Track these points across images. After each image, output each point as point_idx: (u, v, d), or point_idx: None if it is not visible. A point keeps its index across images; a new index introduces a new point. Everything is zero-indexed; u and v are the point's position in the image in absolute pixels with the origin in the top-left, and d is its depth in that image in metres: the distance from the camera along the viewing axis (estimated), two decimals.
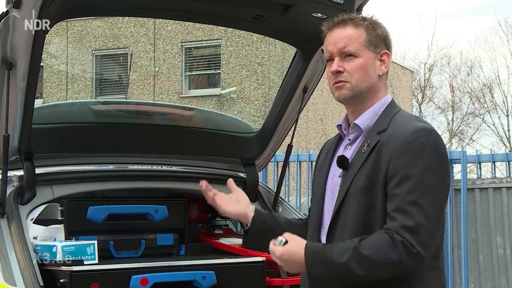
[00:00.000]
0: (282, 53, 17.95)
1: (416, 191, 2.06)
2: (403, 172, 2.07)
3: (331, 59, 2.26)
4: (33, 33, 2.46)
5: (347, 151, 2.26)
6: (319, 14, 2.75)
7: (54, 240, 2.87)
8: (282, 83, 3.39)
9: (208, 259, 3.07)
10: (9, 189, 2.81)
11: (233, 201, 2.47)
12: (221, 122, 3.78)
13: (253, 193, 3.48)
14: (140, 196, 3.34)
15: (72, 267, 2.69)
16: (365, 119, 2.24)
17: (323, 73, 3.28)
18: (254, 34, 17.43)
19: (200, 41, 18.27)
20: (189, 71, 18.53)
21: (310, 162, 8.18)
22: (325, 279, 2.10)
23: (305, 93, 3.34)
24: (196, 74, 18.64)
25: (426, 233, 2.05)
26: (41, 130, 2.95)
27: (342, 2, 2.74)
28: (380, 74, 2.26)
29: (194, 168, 3.55)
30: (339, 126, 2.34)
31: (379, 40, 2.25)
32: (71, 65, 19.65)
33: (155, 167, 3.36)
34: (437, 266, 2.17)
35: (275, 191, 3.64)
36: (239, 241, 3.35)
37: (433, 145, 2.12)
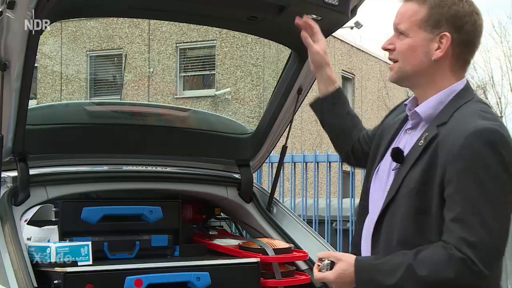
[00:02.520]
0: (277, 54, 17.96)
1: (475, 199, 1.87)
2: (462, 178, 1.89)
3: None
4: (28, 34, 2.44)
5: (406, 135, 2.11)
6: (314, 16, 2.74)
7: (48, 241, 2.86)
8: (276, 84, 3.38)
9: (203, 260, 3.07)
10: (3, 190, 2.81)
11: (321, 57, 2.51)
12: (215, 123, 3.78)
13: (248, 194, 3.48)
14: (135, 197, 3.33)
15: (66, 268, 2.68)
16: (427, 107, 2.05)
17: None
18: (249, 35, 17.45)
19: (194, 42, 18.28)
20: (184, 72, 18.54)
21: (304, 163, 8.19)
22: None
23: (300, 94, 3.30)
24: (191, 75, 18.64)
25: (489, 249, 1.85)
26: (35, 131, 2.95)
27: (337, 3, 2.72)
28: (434, 58, 2.03)
29: (189, 169, 3.56)
30: (404, 106, 2.17)
31: (442, 20, 2.02)
32: (65, 65, 19.62)
33: (149, 168, 3.36)
34: (494, 275, 1.96)
35: (269, 192, 3.63)
36: (233, 242, 3.35)
37: (496, 148, 1.90)
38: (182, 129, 3.50)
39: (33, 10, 2.35)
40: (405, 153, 2.04)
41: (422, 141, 2.00)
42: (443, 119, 2.00)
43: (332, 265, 2.03)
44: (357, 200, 8.79)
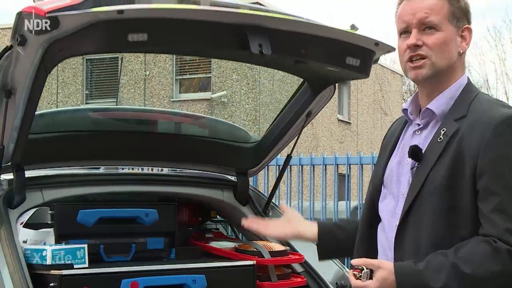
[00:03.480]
0: None
1: None
2: (498, 167, 1.85)
3: (406, 32, 2.03)
4: (35, 70, 2.47)
5: (417, 137, 2.05)
6: (333, 68, 2.72)
7: (44, 244, 2.86)
8: (285, 107, 3.31)
9: (199, 263, 3.07)
10: None
11: (284, 224, 2.40)
12: (219, 129, 3.72)
13: (244, 197, 3.48)
14: (131, 200, 3.33)
15: (62, 271, 2.67)
16: (440, 104, 2.01)
17: (330, 98, 3.23)
18: None
19: None
20: (180, 75, 18.55)
21: (300, 166, 8.19)
22: None
23: (308, 117, 3.25)
24: (187, 78, 18.64)
25: None
26: (32, 140, 2.93)
27: (358, 65, 2.63)
28: (461, 51, 2.03)
29: (184, 171, 3.55)
30: (404, 111, 2.12)
31: (462, 14, 2.03)
32: (61, 69, 19.61)
33: (145, 171, 3.36)
34: None
35: (267, 196, 3.63)
36: (229, 244, 3.35)
37: None
38: (184, 136, 3.48)
39: (43, 52, 2.38)
40: (423, 152, 1.99)
41: (441, 137, 1.95)
42: (460, 113, 1.97)
43: (371, 273, 1.94)
44: (353, 203, 8.86)
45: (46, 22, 2.22)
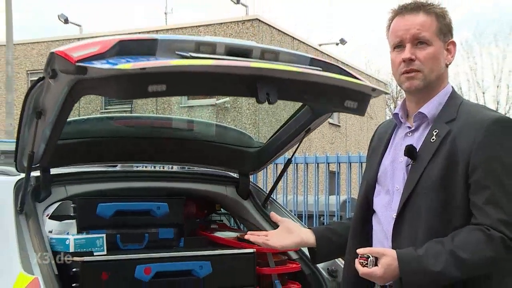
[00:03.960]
0: None
1: (505, 182, 1.84)
2: (489, 164, 1.85)
3: (399, 46, 2.03)
4: (63, 100, 2.50)
5: (408, 138, 2.05)
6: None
7: (67, 233, 2.87)
8: (287, 122, 3.29)
9: (205, 251, 3.07)
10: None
11: (285, 234, 2.35)
12: (226, 135, 3.68)
13: (245, 192, 3.49)
14: (144, 195, 3.34)
15: (84, 257, 2.68)
16: (431, 108, 2.02)
17: (328, 118, 3.23)
18: None
19: None
20: None
21: (295, 164, 8.20)
22: (421, 285, 1.88)
23: (308, 132, 3.23)
24: None
25: None
26: (59, 145, 2.93)
27: (356, 107, 2.62)
28: (448, 63, 2.05)
29: (192, 169, 3.55)
30: (395, 115, 2.13)
31: (447, 29, 2.03)
32: None
33: (157, 168, 3.36)
34: None
35: (266, 191, 3.64)
36: (232, 234, 3.36)
37: None
38: (192, 140, 3.47)
39: (71, 87, 2.39)
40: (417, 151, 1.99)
41: (434, 138, 1.95)
42: (450, 117, 1.97)
43: (376, 260, 1.93)
44: (342, 197, 8.86)
45: (74, 68, 2.22)
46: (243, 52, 2.52)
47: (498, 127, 1.89)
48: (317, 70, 2.57)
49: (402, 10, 2.04)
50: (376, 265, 1.93)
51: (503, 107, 28.63)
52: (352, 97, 2.52)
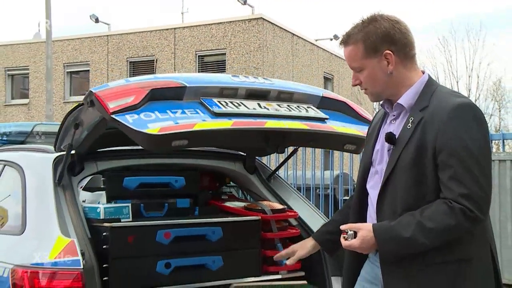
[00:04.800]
0: (273, 59, 17.89)
1: (466, 161, 1.82)
2: (452, 145, 1.84)
3: None
4: (97, 122, 2.55)
5: (392, 125, 2.04)
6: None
7: (98, 203, 2.87)
8: None
9: (216, 218, 3.06)
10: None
11: (301, 248, 2.40)
12: None
13: (251, 168, 3.48)
14: (164, 169, 3.33)
15: (112, 223, 2.69)
16: (407, 98, 2.00)
17: None
18: (252, 43, 17.35)
19: (210, 50, 18.19)
20: (202, 73, 18.46)
21: None
22: (395, 252, 1.89)
23: None
24: None
25: (482, 199, 1.83)
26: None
27: (354, 149, 2.66)
28: (390, 72, 1.99)
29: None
30: (382, 105, 2.12)
31: (379, 43, 1.97)
32: (111, 69, 19.57)
33: None
34: (483, 221, 1.90)
35: (271, 168, 3.63)
36: (240, 204, 3.35)
37: (474, 117, 1.87)
38: None
39: (103, 118, 2.44)
40: (396, 137, 1.99)
41: (410, 125, 1.95)
42: (423, 104, 1.95)
43: (355, 234, 1.95)
44: (335, 172, 8.84)
45: (109, 118, 2.24)
46: (262, 94, 2.51)
47: (459, 112, 1.87)
48: (323, 119, 2.57)
49: (340, 44, 2.06)
50: (355, 238, 1.95)
51: (473, 93, 28.55)
52: (352, 141, 2.52)
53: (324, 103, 2.74)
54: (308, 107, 2.66)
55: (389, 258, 1.93)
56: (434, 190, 1.88)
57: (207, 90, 2.43)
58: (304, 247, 2.39)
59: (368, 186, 2.11)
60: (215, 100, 2.42)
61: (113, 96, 2.28)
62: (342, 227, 2.00)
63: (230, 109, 2.39)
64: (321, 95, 2.75)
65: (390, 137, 1.99)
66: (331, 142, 2.51)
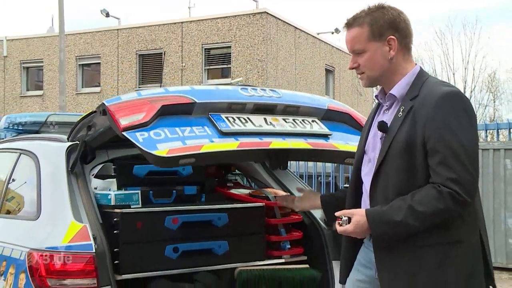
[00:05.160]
0: (276, 51, 17.83)
1: (454, 147, 1.82)
2: (440, 132, 1.84)
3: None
4: (107, 129, 2.55)
5: (386, 115, 2.04)
6: None
7: (109, 190, 2.87)
8: None
9: (222, 205, 3.06)
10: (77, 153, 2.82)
11: (306, 200, 2.46)
12: None
13: None
14: None
15: (122, 209, 2.69)
16: (399, 89, 2.00)
17: None
18: (257, 36, 17.29)
19: (216, 43, 18.15)
20: (208, 65, 18.43)
21: None
22: (387, 235, 1.89)
23: None
24: (213, 68, 18.55)
25: (469, 183, 1.83)
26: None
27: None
28: (390, 57, 1.99)
29: None
30: (376, 96, 2.12)
31: (384, 29, 1.98)
32: (121, 62, 19.55)
33: None
34: (473, 205, 1.92)
35: None
36: (245, 191, 3.35)
37: (461, 105, 1.87)
38: None
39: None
40: (388, 125, 2.00)
41: (401, 113, 1.95)
42: (413, 94, 1.96)
43: (349, 220, 1.96)
44: None
45: (120, 134, 2.25)
46: (269, 109, 2.51)
47: (446, 100, 1.87)
48: (326, 135, 2.58)
49: (344, 27, 2.06)
50: (349, 223, 1.96)
51: (469, 85, 28.45)
52: (352, 155, 2.53)
53: (329, 115, 2.75)
54: (312, 121, 2.66)
55: (381, 241, 1.93)
56: (424, 176, 1.88)
57: (216, 105, 2.42)
58: (309, 200, 2.47)
59: (362, 174, 2.11)
60: (223, 116, 2.41)
61: (125, 112, 2.27)
62: (337, 213, 2.01)
63: (237, 127, 2.38)
64: (326, 107, 2.75)
65: (382, 126, 1.99)
66: (333, 158, 2.54)
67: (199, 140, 2.26)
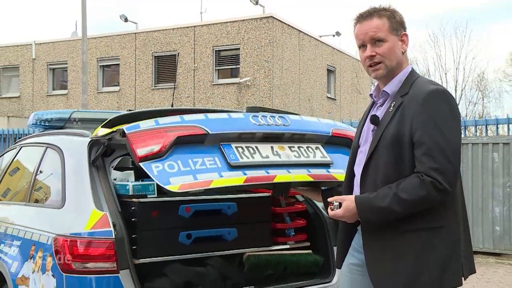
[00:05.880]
0: (282, 53, 17.77)
1: (437, 139, 1.84)
2: (425, 126, 1.86)
3: (363, 46, 2.03)
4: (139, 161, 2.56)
5: (378, 110, 2.06)
6: None
7: (127, 181, 2.88)
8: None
9: (232, 194, 3.05)
10: (97, 147, 2.82)
11: (316, 193, 2.53)
12: None
13: None
14: None
15: (140, 199, 2.70)
16: (392, 86, 2.03)
17: None
18: (263, 40, 17.24)
19: (225, 45, 18.12)
20: (218, 66, 18.41)
21: None
22: (374, 220, 1.92)
23: None
24: (223, 68, 18.53)
25: (451, 172, 1.83)
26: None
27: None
28: (403, 51, 2.03)
29: None
30: (370, 95, 2.13)
31: (399, 25, 2.02)
32: (138, 63, 19.56)
33: None
34: (453, 193, 1.92)
35: None
36: None
37: (446, 101, 1.89)
38: None
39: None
40: (380, 119, 2.01)
41: (391, 108, 1.97)
42: (404, 91, 1.98)
43: (340, 205, 1.99)
44: None
45: (137, 162, 2.27)
46: (277, 137, 2.54)
47: (432, 96, 1.88)
48: (327, 165, 2.61)
49: (359, 19, 2.04)
50: (340, 208, 1.98)
51: (460, 84, 28.29)
52: None
53: (333, 141, 2.79)
54: (316, 148, 2.70)
55: (368, 225, 1.96)
56: (411, 166, 1.88)
57: (227, 136, 2.45)
58: (317, 192, 2.53)
59: (355, 168, 2.12)
60: (233, 145, 2.44)
61: (142, 141, 2.29)
62: (329, 199, 2.03)
63: (246, 159, 2.41)
64: (330, 134, 2.77)
65: (374, 119, 2.01)
66: (331, 184, 2.59)
67: (209, 174, 2.28)
